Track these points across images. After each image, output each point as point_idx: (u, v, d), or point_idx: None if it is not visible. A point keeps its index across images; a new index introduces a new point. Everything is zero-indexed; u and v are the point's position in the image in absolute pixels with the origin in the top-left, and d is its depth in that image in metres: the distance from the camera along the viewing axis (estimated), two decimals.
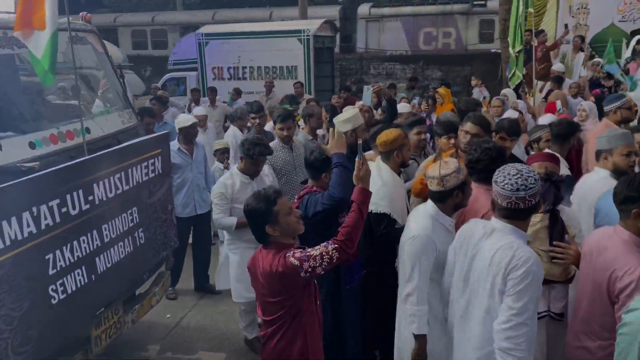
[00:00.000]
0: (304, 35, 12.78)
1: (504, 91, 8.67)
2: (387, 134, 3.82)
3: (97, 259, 2.95)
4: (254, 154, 4.18)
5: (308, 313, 2.65)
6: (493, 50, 13.51)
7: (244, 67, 13.41)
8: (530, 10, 8.67)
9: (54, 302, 2.68)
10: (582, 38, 10.78)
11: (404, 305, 2.94)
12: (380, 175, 3.77)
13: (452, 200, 2.93)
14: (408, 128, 4.79)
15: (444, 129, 4.35)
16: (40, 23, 3.00)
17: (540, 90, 9.25)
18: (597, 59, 10.10)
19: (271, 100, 10.58)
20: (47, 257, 2.64)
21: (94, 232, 2.92)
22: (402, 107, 6.26)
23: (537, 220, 2.97)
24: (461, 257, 2.64)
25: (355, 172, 2.73)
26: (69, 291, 2.75)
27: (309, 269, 2.49)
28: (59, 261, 2.69)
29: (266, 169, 4.55)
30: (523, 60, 8.76)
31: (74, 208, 2.75)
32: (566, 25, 11.06)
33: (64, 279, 2.72)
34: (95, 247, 2.92)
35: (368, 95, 5.75)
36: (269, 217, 2.58)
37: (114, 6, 25.11)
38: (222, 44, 13.36)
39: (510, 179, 2.38)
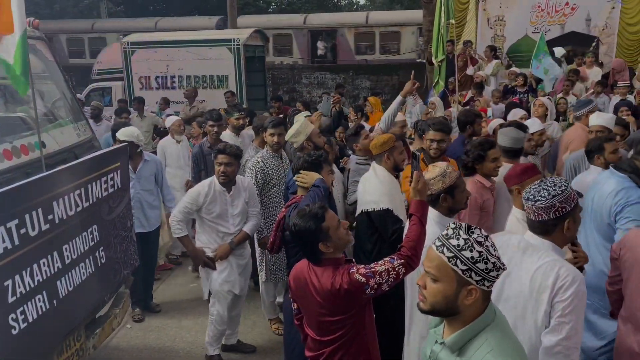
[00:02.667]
0: (233, 45, 12.72)
1: (431, 99, 9.14)
2: (379, 138, 3.96)
3: (58, 282, 2.79)
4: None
5: (369, 329, 2.56)
6: (418, 60, 14.09)
7: (172, 77, 13.14)
8: (452, 21, 9.15)
9: (14, 332, 2.50)
10: (492, 48, 11.44)
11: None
12: (377, 175, 3.88)
13: (442, 204, 2.95)
14: (353, 138, 4.94)
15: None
16: (7, 27, 2.86)
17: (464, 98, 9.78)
18: (513, 68, 10.82)
19: (194, 109, 10.47)
20: (5, 283, 2.46)
21: (55, 253, 2.77)
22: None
23: None
24: None
25: (413, 185, 2.69)
26: (30, 319, 2.58)
27: (375, 286, 2.39)
28: (19, 287, 2.51)
29: (246, 182, 4.43)
30: (446, 69, 9.24)
31: (33, 229, 2.60)
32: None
33: (25, 306, 2.55)
34: (56, 269, 2.76)
35: (327, 104, 5.79)
36: (321, 234, 2.47)
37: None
38: (149, 53, 13.02)
39: (540, 192, 2.31)
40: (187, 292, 5.95)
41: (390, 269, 2.42)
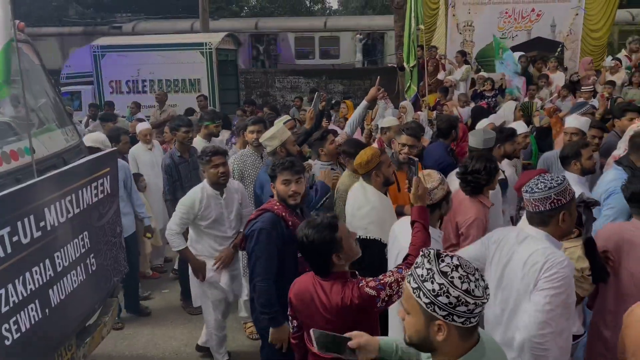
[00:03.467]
0: (205, 48, 12.69)
1: (402, 103, 9.31)
2: (362, 156, 3.68)
3: (50, 290, 2.75)
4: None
5: None
6: (390, 65, 14.29)
7: (143, 80, 13.03)
8: (421, 27, 9.34)
9: (7, 343, 2.45)
10: (463, 53, 11.73)
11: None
12: (367, 198, 3.65)
13: (438, 212, 2.95)
14: (319, 142, 4.98)
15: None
16: None
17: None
18: (481, 73, 11.10)
19: (164, 113, 10.40)
20: None
21: (47, 261, 2.72)
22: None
23: (573, 245, 2.98)
24: (494, 266, 2.58)
25: (413, 191, 2.66)
26: (23, 329, 2.53)
27: (386, 298, 2.33)
28: (12, 296, 2.46)
29: (236, 184, 4.40)
30: (418, 74, 9.42)
31: (25, 236, 2.55)
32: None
33: (18, 315, 2.50)
34: (48, 277, 2.72)
35: (318, 102, 5.71)
36: (335, 245, 2.38)
37: None
38: (119, 57, 12.87)
39: (537, 184, 2.41)
40: (162, 300, 5.93)
41: (399, 280, 2.35)
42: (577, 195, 3.10)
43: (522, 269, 2.39)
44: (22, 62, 2.91)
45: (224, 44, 13.18)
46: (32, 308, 2.61)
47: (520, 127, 5.34)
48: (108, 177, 3.35)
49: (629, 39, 11.42)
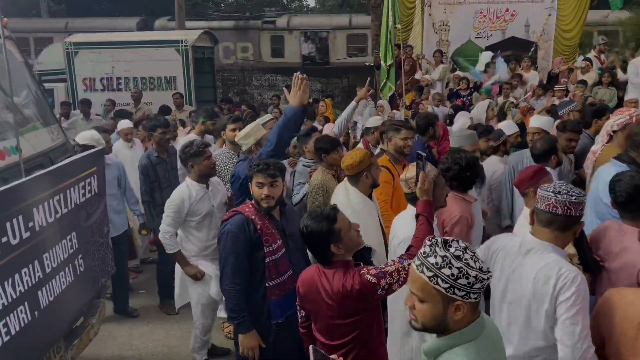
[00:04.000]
0: (181, 46, 12.57)
1: (380, 102, 9.40)
2: (353, 157, 3.66)
3: (39, 292, 2.70)
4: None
5: (378, 333, 2.57)
6: (367, 64, 14.36)
7: (118, 78, 12.83)
8: (398, 26, 9.43)
9: None
10: (441, 52, 11.90)
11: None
12: (349, 200, 3.61)
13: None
14: (303, 139, 5.02)
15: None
16: None
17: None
18: (457, 72, 11.27)
19: (140, 111, 10.28)
20: None
21: (36, 262, 2.68)
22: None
23: None
24: (496, 277, 2.51)
25: (419, 185, 2.70)
26: (13, 332, 2.48)
27: (386, 286, 2.40)
28: (1, 299, 2.42)
29: (215, 179, 4.40)
30: (395, 73, 9.51)
31: (14, 237, 2.50)
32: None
33: (7, 318, 2.45)
34: (37, 279, 2.68)
35: None
36: (332, 236, 2.46)
37: None
38: (93, 54, 12.65)
39: (572, 188, 2.37)
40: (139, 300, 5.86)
41: (400, 269, 2.44)
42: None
43: (533, 285, 2.34)
44: (6, 59, 2.86)
45: (200, 41, 13.07)
46: (21, 310, 2.57)
47: (511, 127, 5.44)
48: (95, 176, 3.32)
49: (598, 39, 11.75)
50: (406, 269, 2.44)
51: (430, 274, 1.65)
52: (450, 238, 1.71)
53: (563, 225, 2.36)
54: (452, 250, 1.66)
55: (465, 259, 1.64)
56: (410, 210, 3.05)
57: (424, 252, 1.69)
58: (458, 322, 1.69)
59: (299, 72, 3.59)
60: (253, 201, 3.26)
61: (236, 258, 3.12)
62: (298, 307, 2.79)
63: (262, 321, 3.19)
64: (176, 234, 4.22)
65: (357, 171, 3.65)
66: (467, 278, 1.63)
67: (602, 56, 10.97)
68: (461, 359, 1.66)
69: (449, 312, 1.67)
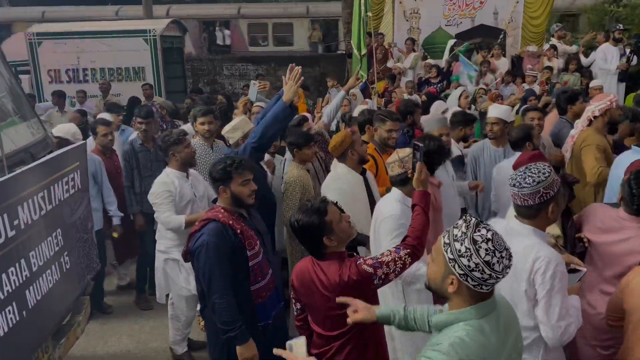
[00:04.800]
0: (149, 35, 12.31)
1: (352, 91, 9.39)
2: (335, 139, 3.98)
3: (27, 292, 2.62)
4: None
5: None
6: (339, 52, 14.33)
7: (84, 69, 12.51)
8: (369, 14, 9.42)
9: None
10: (413, 40, 11.94)
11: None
12: (339, 179, 3.88)
13: (408, 185, 3.03)
14: (294, 129, 5.00)
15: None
16: None
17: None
18: (428, 60, 11.32)
19: (108, 103, 10.04)
20: None
21: (22, 261, 2.59)
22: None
23: None
24: None
25: (416, 176, 2.72)
26: (2, 333, 2.40)
27: (383, 276, 2.42)
28: None
29: (193, 172, 4.39)
30: (367, 61, 9.51)
31: (0, 236, 2.42)
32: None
33: None
34: (24, 278, 2.59)
35: (254, 90, 5.72)
36: (324, 229, 2.45)
37: None
38: (57, 44, 12.29)
39: (525, 179, 2.39)
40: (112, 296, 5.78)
41: (396, 259, 2.46)
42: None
43: (513, 268, 2.38)
44: None
45: (169, 30, 12.82)
46: (9, 310, 2.50)
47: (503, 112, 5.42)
48: (78, 171, 3.25)
49: (553, 26, 11.95)
50: (402, 258, 2.47)
51: (447, 241, 1.76)
52: (486, 224, 1.77)
53: (531, 214, 2.44)
54: (476, 233, 1.72)
55: (479, 246, 1.70)
56: (394, 193, 3.13)
57: (457, 224, 1.77)
58: (453, 296, 1.78)
59: (294, 64, 3.59)
60: (220, 206, 3.14)
61: (221, 269, 2.97)
62: (293, 300, 2.76)
63: (252, 326, 3.11)
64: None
65: (341, 151, 3.95)
66: (468, 260, 1.71)
67: (562, 42, 11.17)
68: (460, 333, 1.73)
69: (445, 281, 1.77)
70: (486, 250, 1.70)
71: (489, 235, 1.73)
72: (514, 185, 2.44)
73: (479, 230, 1.73)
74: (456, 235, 1.75)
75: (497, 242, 1.73)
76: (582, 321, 2.50)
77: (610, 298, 2.68)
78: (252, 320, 3.14)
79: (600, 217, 3.01)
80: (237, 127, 4.41)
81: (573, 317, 2.42)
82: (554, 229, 3.05)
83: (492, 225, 2.61)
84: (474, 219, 1.77)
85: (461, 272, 1.73)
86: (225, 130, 4.51)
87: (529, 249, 2.38)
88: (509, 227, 2.50)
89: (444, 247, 1.77)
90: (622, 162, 3.79)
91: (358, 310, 2.28)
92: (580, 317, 2.49)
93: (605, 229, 2.95)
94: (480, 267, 1.70)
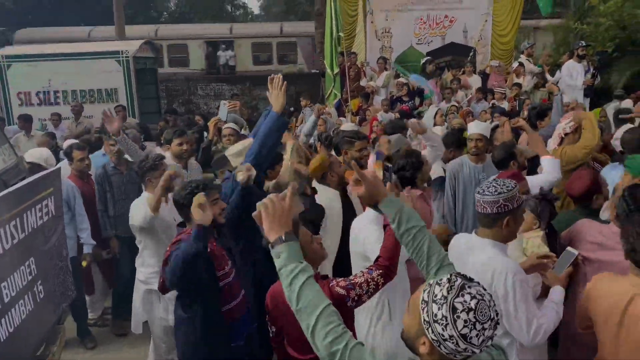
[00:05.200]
0: (122, 57, 12.25)
1: (327, 109, 9.47)
2: (313, 163, 4.12)
3: None
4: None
5: None
6: (314, 71, 14.44)
7: (56, 92, 12.36)
8: (341, 34, 9.57)
9: None
10: (385, 59, 12.12)
11: None
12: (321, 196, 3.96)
13: None
14: None
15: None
16: None
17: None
18: (400, 79, 11.50)
19: (81, 125, 9.94)
20: None
21: None
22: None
23: (535, 235, 3.19)
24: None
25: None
26: None
27: (356, 297, 2.40)
28: None
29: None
30: (340, 80, 9.64)
31: None
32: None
33: None
34: None
35: (224, 110, 5.73)
36: None
37: None
38: (28, 67, 12.14)
39: (489, 188, 2.49)
40: None
41: (369, 280, 2.45)
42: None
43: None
44: None
45: (142, 51, 12.78)
46: None
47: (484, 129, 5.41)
48: (52, 197, 3.19)
49: (524, 43, 12.28)
50: (375, 279, 2.46)
51: (426, 299, 1.56)
52: (472, 285, 1.55)
53: (487, 222, 2.52)
54: (457, 299, 1.51)
55: (457, 316, 1.49)
56: (368, 213, 3.14)
57: (441, 281, 1.57)
58: (424, 357, 1.60)
59: (272, 75, 3.64)
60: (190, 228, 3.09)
61: (186, 263, 2.87)
62: (269, 323, 2.75)
63: (224, 346, 3.09)
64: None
65: (321, 173, 4.10)
66: (443, 329, 1.51)
67: (531, 59, 11.48)
68: None
69: (418, 340, 1.59)
70: (465, 322, 1.48)
71: (472, 305, 1.49)
72: (478, 192, 2.53)
73: (462, 296, 1.51)
74: (436, 296, 1.54)
75: (480, 311, 1.49)
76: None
77: (577, 306, 2.69)
78: (225, 340, 3.12)
79: (593, 233, 3.03)
80: (241, 153, 4.19)
81: (547, 316, 2.48)
82: (542, 247, 3.09)
83: (456, 239, 2.71)
84: (459, 280, 1.55)
85: (434, 338, 1.53)
86: (230, 152, 4.38)
87: (486, 264, 2.46)
88: (471, 241, 2.59)
89: (422, 304, 1.57)
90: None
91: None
92: (561, 311, 2.55)
93: (600, 244, 2.96)
94: (454, 340, 1.50)
